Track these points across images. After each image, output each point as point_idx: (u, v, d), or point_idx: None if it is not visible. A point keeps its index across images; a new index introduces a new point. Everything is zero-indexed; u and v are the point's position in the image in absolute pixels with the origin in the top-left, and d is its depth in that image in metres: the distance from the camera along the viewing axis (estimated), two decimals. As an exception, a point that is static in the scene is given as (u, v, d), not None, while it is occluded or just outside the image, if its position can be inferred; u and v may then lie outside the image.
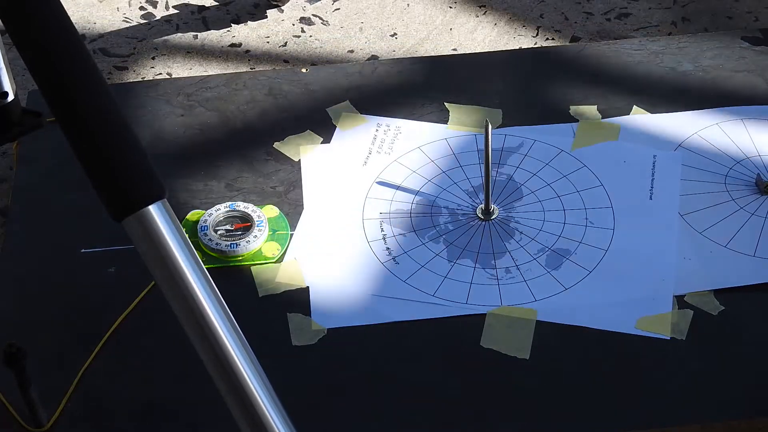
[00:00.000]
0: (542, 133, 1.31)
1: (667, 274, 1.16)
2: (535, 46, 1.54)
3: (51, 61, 0.79)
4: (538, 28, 1.58)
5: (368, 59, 1.53)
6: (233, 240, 1.19)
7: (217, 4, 1.63)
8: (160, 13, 1.62)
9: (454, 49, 1.54)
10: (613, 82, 1.36)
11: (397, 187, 1.26)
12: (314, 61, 1.54)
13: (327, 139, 1.31)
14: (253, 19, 1.61)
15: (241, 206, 1.22)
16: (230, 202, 1.23)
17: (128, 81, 1.49)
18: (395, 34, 1.58)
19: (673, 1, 1.61)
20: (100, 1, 1.62)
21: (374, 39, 1.57)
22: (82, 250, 1.19)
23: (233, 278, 1.17)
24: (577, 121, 1.32)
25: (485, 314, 1.13)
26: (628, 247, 1.19)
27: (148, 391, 1.08)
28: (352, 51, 1.55)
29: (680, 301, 1.14)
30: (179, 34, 1.58)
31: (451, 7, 1.62)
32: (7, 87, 0.96)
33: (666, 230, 1.20)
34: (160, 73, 1.52)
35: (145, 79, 1.51)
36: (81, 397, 1.07)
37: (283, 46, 1.56)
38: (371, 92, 1.36)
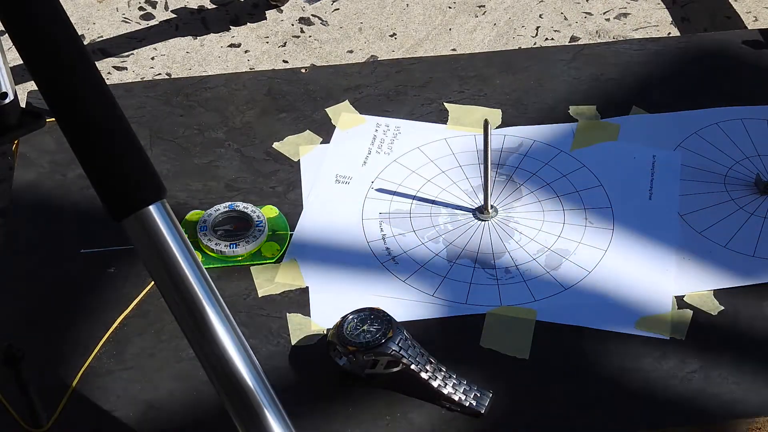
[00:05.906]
0: (542, 133, 1.31)
1: (667, 275, 1.16)
2: (535, 46, 1.54)
3: (50, 62, 0.79)
4: (537, 28, 1.58)
5: (367, 59, 1.53)
6: (233, 240, 1.19)
7: (215, 6, 1.63)
8: (159, 13, 1.62)
9: (454, 49, 1.54)
10: (613, 82, 1.36)
11: (396, 189, 1.25)
12: (313, 62, 1.54)
13: (326, 139, 1.31)
14: (253, 20, 1.61)
15: (241, 206, 1.22)
16: (230, 203, 1.23)
17: (128, 81, 1.49)
18: (394, 34, 1.58)
19: (672, 1, 1.61)
20: (100, 2, 1.62)
21: (373, 39, 1.57)
22: (82, 250, 1.19)
23: (233, 278, 1.17)
24: (577, 121, 1.32)
25: (485, 314, 1.13)
26: (627, 247, 1.19)
27: (147, 391, 1.08)
28: (351, 51, 1.55)
29: (680, 301, 1.14)
30: (179, 35, 1.58)
31: (450, 8, 1.62)
32: (7, 87, 0.97)
33: (665, 230, 1.20)
34: (160, 74, 1.52)
35: (145, 79, 1.51)
36: (81, 398, 1.07)
37: (283, 46, 1.56)
38: (370, 92, 1.36)
